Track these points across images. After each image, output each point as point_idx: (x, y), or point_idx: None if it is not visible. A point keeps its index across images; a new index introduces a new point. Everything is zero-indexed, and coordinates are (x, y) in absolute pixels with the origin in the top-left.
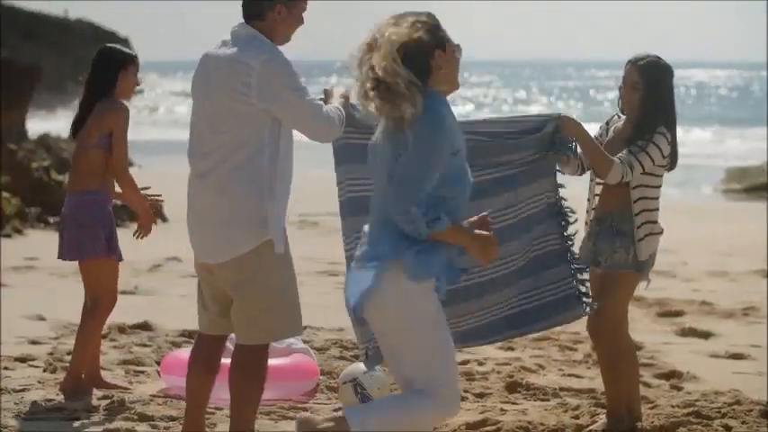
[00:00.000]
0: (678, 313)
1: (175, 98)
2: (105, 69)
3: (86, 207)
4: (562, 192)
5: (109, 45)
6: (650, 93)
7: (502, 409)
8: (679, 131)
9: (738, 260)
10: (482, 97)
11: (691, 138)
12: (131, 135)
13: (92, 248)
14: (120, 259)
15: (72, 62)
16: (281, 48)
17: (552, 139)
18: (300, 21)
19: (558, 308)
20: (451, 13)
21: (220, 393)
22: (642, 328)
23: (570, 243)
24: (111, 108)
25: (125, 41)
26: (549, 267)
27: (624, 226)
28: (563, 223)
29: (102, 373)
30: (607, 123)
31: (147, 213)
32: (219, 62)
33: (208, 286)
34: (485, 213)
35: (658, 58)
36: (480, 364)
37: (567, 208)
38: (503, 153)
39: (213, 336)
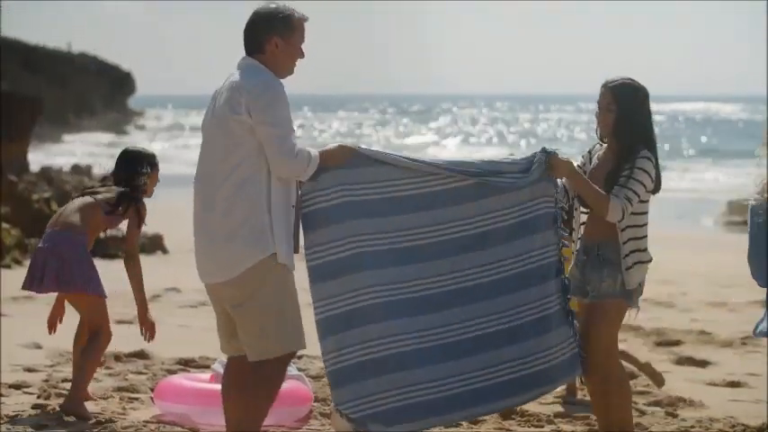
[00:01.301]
0: (676, 342)
1: (168, 133)
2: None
3: (75, 243)
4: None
5: (134, 149)
6: (625, 114)
7: None
8: (679, 164)
9: (738, 291)
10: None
11: (692, 170)
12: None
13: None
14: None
15: (74, 95)
16: (284, 80)
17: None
18: (299, 52)
19: (563, 369)
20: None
21: (215, 419)
22: (639, 356)
23: (569, 300)
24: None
25: (128, 75)
26: (550, 330)
27: (611, 255)
28: (564, 281)
29: (94, 400)
30: (590, 152)
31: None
32: (223, 91)
33: (217, 307)
34: None
35: (632, 79)
36: None
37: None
38: (503, 201)
39: (235, 358)
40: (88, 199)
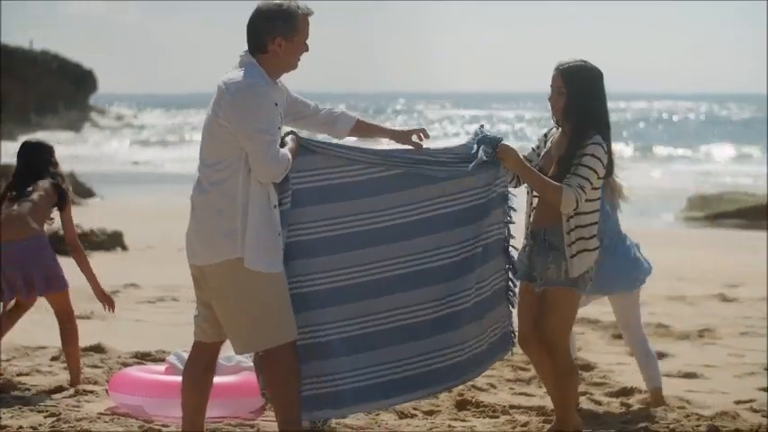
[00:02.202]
0: None
1: (130, 129)
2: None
3: (44, 246)
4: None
5: (37, 141)
6: (575, 96)
7: (450, 426)
8: (645, 161)
9: (696, 285)
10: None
11: (658, 166)
12: (94, 166)
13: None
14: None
15: (36, 94)
16: (287, 75)
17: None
18: (304, 48)
19: (496, 348)
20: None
21: (169, 411)
22: (596, 349)
23: (512, 280)
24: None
25: (89, 73)
26: (494, 308)
27: (557, 241)
28: (508, 262)
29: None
30: (545, 135)
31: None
32: (217, 88)
33: (197, 288)
34: None
35: (584, 61)
36: None
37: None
38: (452, 187)
39: (204, 343)
40: (28, 205)
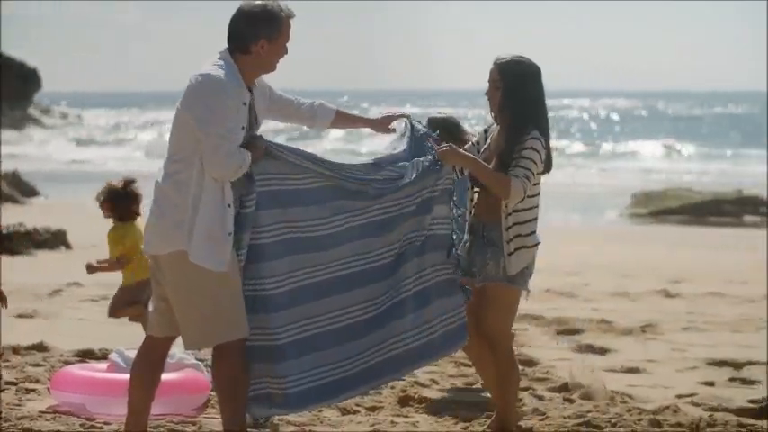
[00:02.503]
0: (576, 331)
1: (72, 128)
2: None
3: None
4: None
5: None
6: (511, 91)
7: (392, 422)
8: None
9: (639, 281)
10: None
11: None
12: (38, 165)
13: None
14: None
15: None
16: (267, 76)
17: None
18: (284, 51)
19: (456, 336)
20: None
21: (112, 409)
22: (540, 344)
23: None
24: None
25: (33, 72)
26: (442, 298)
27: (495, 237)
28: (455, 251)
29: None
30: (485, 131)
31: None
32: None
33: (154, 282)
34: None
35: (522, 57)
36: None
37: (458, 234)
38: (397, 194)
39: (155, 338)
40: None
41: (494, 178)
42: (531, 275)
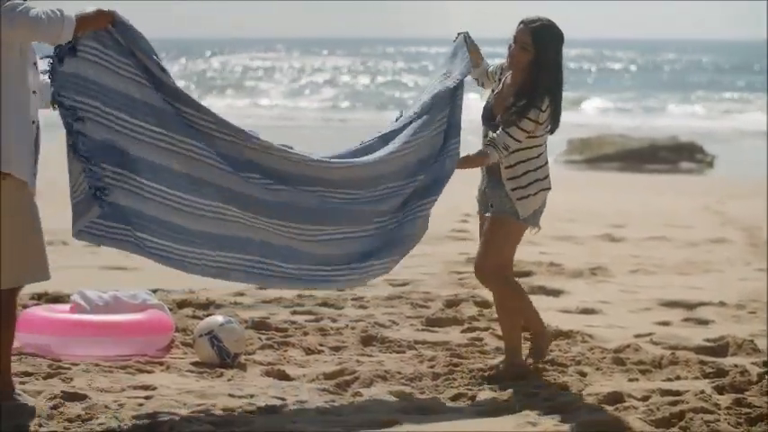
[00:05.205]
0: (527, 273)
1: None
2: None
3: None
4: None
5: None
6: (540, 56)
7: (358, 361)
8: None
9: (582, 226)
10: None
11: None
12: None
13: None
14: None
15: None
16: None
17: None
18: None
19: (416, 227)
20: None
21: (76, 349)
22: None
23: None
24: None
25: None
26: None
27: (509, 180)
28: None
29: None
30: (501, 70)
31: None
32: None
33: None
34: None
35: (549, 20)
36: (334, 320)
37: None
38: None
39: None
40: None
41: (474, 162)
42: (541, 213)
